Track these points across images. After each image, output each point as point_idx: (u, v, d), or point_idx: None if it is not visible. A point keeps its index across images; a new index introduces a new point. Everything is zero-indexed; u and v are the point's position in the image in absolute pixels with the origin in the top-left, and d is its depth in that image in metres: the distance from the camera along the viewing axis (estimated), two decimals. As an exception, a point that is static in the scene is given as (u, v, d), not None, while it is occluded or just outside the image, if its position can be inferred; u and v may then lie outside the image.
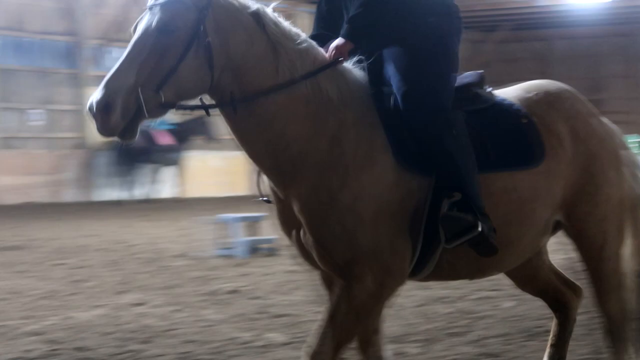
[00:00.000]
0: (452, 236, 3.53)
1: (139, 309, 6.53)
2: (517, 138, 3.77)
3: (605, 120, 4.09)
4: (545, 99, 3.95)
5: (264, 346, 5.36)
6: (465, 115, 3.71)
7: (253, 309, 6.44)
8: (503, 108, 3.83)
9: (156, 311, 6.30)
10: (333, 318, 3.49)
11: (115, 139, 3.40)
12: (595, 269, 3.99)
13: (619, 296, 4.01)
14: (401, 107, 3.58)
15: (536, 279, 4.23)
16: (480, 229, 3.51)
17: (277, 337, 5.57)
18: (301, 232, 3.54)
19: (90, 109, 3.29)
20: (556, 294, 4.23)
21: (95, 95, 3.30)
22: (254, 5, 3.56)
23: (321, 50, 3.64)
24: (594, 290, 4.02)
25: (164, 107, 3.42)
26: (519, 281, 4.28)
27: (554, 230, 4.00)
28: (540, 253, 4.14)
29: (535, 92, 3.97)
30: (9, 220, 14.39)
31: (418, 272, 3.67)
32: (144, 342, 5.44)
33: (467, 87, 3.78)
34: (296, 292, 6.93)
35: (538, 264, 4.19)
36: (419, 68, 3.62)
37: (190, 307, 6.51)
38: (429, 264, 3.65)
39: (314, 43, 3.65)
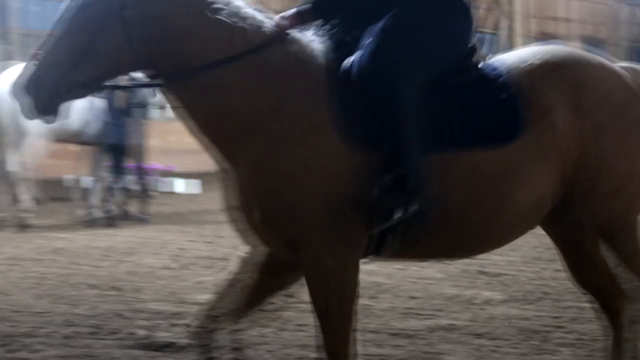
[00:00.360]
0: (379, 219, 3.36)
1: (367, 267, 7.08)
2: (490, 113, 3.52)
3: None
4: (543, 67, 3.62)
5: (485, 302, 5.76)
6: (441, 90, 3.51)
7: (473, 268, 6.80)
8: (486, 81, 3.57)
9: (382, 270, 6.65)
10: (315, 305, 3.45)
11: (37, 119, 3.36)
12: (615, 244, 3.69)
13: None
14: (352, 76, 3.40)
15: (590, 276, 3.78)
16: (404, 212, 3.31)
17: (495, 295, 5.96)
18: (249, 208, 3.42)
19: (14, 89, 3.29)
20: (605, 294, 3.80)
21: (18, 75, 3.29)
22: None
23: (272, 19, 3.46)
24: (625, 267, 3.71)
25: (84, 87, 3.35)
26: (577, 279, 3.83)
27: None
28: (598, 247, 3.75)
29: (534, 59, 3.65)
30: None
31: (380, 250, 3.52)
32: (372, 297, 5.93)
33: (458, 58, 3.60)
34: (512, 253, 7.18)
35: (592, 259, 3.75)
36: (388, 40, 3.43)
37: (413, 265, 6.95)
38: (387, 243, 3.47)
39: (262, 13, 3.47)
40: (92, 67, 3.28)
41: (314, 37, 3.49)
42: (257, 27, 3.39)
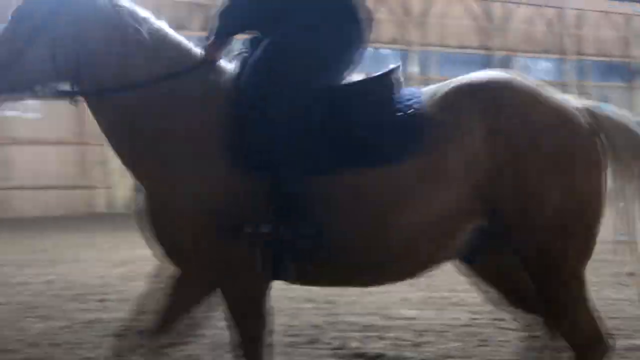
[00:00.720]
0: (260, 244, 3.41)
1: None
2: (378, 133, 3.43)
3: (580, 111, 3.48)
4: (461, 90, 3.50)
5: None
6: (331, 112, 3.48)
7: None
8: (384, 102, 3.50)
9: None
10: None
11: None
12: (542, 289, 3.49)
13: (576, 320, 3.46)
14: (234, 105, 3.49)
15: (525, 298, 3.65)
16: (282, 237, 3.37)
17: None
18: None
19: None
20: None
21: None
22: (122, 3, 3.56)
23: (201, 48, 3.60)
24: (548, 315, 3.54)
25: (9, 92, 3.56)
26: (509, 302, 3.73)
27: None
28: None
29: (456, 83, 3.54)
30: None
31: (281, 274, 3.54)
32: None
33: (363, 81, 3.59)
34: None
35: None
36: (266, 62, 3.51)
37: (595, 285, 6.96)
38: (282, 268, 3.49)
39: (183, 42, 3.61)
40: (18, 75, 3.50)
41: (229, 60, 3.65)
42: (183, 55, 3.59)
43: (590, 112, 3.51)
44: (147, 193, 3.52)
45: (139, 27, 3.53)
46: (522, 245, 3.45)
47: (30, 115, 16.82)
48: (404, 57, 21.62)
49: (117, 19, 3.52)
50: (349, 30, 3.57)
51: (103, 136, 3.59)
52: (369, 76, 3.61)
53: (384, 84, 3.56)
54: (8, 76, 3.49)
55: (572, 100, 3.57)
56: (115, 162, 14.57)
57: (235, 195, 3.41)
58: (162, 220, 3.47)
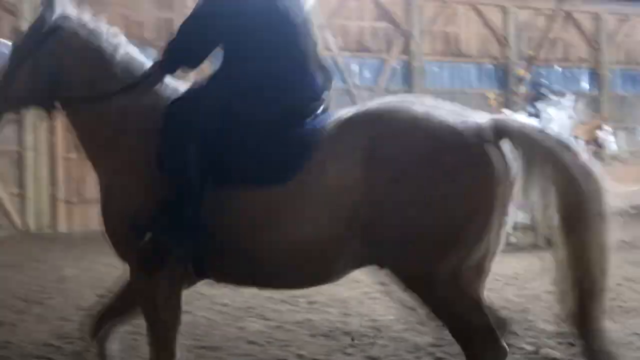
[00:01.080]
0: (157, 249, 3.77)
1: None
2: (266, 156, 3.70)
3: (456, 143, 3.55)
4: (355, 117, 3.71)
5: None
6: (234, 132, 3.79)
7: None
8: (282, 126, 3.77)
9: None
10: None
11: None
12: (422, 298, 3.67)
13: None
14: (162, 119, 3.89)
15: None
16: (175, 244, 3.74)
17: None
18: None
19: None
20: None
21: None
22: (101, 36, 4.10)
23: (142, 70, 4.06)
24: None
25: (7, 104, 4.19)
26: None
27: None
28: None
29: (357, 110, 3.75)
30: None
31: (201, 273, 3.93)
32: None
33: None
34: None
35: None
36: (192, 89, 3.99)
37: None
38: (199, 267, 3.88)
39: (145, 64, 4.10)
40: (13, 92, 4.13)
41: (172, 81, 4.09)
42: (127, 75, 4.07)
43: (497, 125, 3.61)
44: (100, 191, 4.08)
45: (112, 52, 4.10)
46: (394, 262, 3.64)
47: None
48: (593, 76, 21.30)
49: (94, 45, 4.10)
50: (283, 64, 3.86)
51: None
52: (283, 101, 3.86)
53: (290, 110, 3.84)
54: (7, 91, 4.14)
55: (472, 118, 3.64)
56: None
57: (150, 201, 3.80)
58: (102, 216, 4.01)
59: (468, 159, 3.55)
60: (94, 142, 4.11)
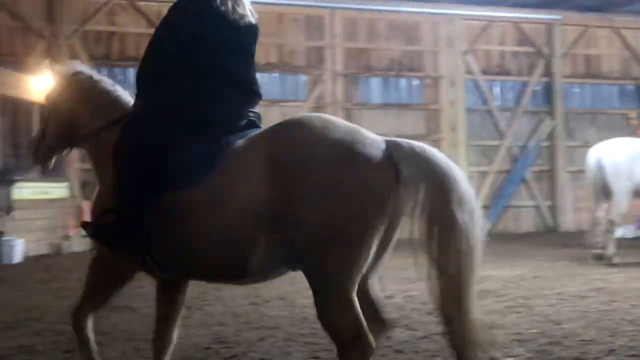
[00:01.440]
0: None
1: None
2: (187, 163, 4.24)
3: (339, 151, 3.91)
4: (268, 130, 4.22)
5: None
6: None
7: None
8: (209, 138, 4.29)
9: None
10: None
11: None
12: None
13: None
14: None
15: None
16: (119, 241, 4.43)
17: None
18: None
19: None
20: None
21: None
22: (97, 85, 5.12)
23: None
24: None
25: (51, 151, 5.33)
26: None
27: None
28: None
29: (272, 125, 4.25)
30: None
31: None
32: None
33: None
34: None
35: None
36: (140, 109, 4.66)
37: None
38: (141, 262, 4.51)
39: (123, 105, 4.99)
40: (50, 139, 5.24)
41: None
42: (125, 110, 4.88)
43: (393, 146, 3.99)
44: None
45: (108, 94, 5.08)
46: (293, 256, 4.02)
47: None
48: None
49: (96, 91, 5.11)
50: (207, 86, 4.42)
51: None
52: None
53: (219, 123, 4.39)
54: (39, 151, 5.29)
55: (365, 134, 4.04)
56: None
57: (109, 208, 4.52)
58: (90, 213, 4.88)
59: (359, 169, 3.91)
60: (96, 163, 5.01)
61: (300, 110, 18.37)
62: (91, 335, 4.86)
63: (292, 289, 9.15)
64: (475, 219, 3.94)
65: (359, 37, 19.64)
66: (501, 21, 20.41)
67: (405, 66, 20.01)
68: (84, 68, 5.33)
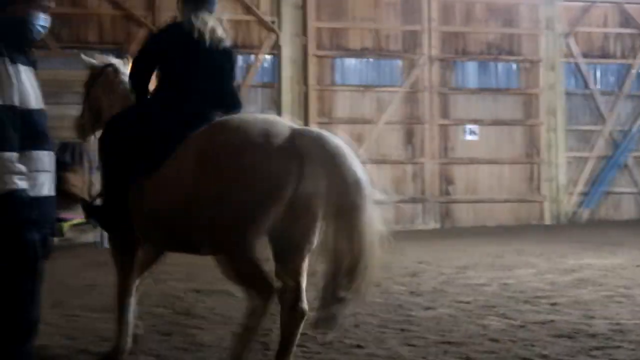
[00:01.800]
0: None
1: None
2: (149, 154, 5.01)
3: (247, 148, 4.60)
4: (210, 125, 4.94)
5: None
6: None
7: None
8: (173, 132, 5.00)
9: None
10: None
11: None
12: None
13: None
14: None
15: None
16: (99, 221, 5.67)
17: None
18: None
19: None
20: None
21: None
22: (117, 77, 5.97)
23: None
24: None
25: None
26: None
27: None
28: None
29: (207, 125, 4.97)
30: None
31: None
32: None
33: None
34: None
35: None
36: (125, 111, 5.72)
37: None
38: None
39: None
40: (86, 120, 6.37)
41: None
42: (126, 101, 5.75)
43: (297, 134, 4.61)
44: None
45: (125, 86, 5.79)
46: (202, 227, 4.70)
47: (471, 138, 18.49)
48: None
49: (117, 83, 5.99)
50: (179, 91, 5.25)
51: None
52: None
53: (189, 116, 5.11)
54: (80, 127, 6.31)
55: (278, 131, 4.63)
56: (562, 179, 15.63)
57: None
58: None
59: (262, 156, 4.57)
60: (101, 151, 5.59)
61: (396, 96, 18.31)
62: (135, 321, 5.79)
63: (387, 276, 9.16)
64: (369, 202, 4.40)
65: (455, 21, 19.41)
66: (603, 2, 19.90)
67: (503, 49, 19.70)
68: (116, 60, 6.11)
